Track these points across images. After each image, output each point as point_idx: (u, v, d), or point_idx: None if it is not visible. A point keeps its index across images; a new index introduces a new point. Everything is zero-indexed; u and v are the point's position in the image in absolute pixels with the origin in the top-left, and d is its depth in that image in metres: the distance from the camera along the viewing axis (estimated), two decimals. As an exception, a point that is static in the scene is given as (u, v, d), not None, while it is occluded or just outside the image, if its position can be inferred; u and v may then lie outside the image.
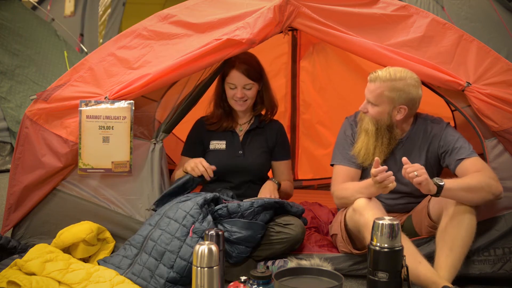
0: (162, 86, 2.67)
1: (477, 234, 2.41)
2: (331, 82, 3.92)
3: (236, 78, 2.81)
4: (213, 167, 2.70)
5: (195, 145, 2.96)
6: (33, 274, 2.31)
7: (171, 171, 2.88)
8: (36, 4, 7.58)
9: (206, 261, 2.00)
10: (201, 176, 2.71)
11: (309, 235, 2.84)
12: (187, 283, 2.34)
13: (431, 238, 2.50)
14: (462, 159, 2.50)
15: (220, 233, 2.23)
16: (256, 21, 2.60)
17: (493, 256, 2.52)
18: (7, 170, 4.21)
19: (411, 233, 2.58)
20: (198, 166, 2.70)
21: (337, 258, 2.61)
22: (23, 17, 5.56)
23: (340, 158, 2.67)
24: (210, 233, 2.22)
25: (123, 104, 2.63)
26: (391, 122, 2.56)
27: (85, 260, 2.59)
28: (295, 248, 2.61)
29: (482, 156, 2.59)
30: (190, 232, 2.42)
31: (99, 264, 2.48)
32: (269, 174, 3.06)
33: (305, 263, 2.31)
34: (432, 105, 2.97)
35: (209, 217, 2.49)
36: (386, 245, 2.05)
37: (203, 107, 3.01)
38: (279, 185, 2.89)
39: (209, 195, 2.58)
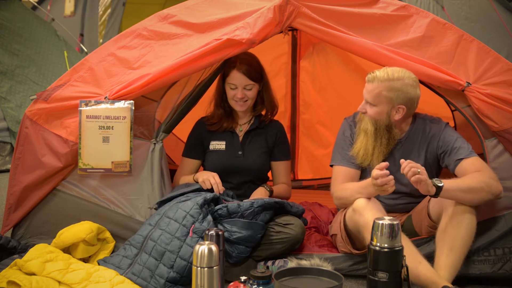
0: (162, 86, 2.67)
1: (477, 234, 2.41)
2: (331, 82, 3.92)
3: (237, 78, 2.81)
4: (222, 188, 2.70)
5: (196, 146, 2.96)
6: (33, 274, 2.31)
7: (171, 171, 2.88)
8: (36, 4, 7.58)
9: (206, 261, 2.00)
10: (211, 189, 2.70)
11: (309, 235, 2.84)
12: (187, 283, 2.34)
13: (431, 238, 2.50)
14: (461, 159, 2.50)
15: (220, 233, 2.23)
16: (256, 21, 2.60)
17: (493, 256, 2.52)
18: (7, 170, 4.21)
19: (411, 233, 2.58)
20: (210, 179, 2.71)
21: (337, 258, 2.61)
22: (23, 17, 5.56)
23: (340, 159, 2.68)
24: (210, 233, 2.22)
25: (123, 104, 2.63)
26: (390, 122, 2.56)
27: (85, 260, 2.59)
28: (295, 248, 2.61)
29: (482, 156, 2.59)
30: (190, 232, 2.42)
31: (99, 264, 2.48)
32: (269, 174, 3.06)
33: (305, 263, 2.31)
34: (432, 105, 2.97)
35: (209, 217, 2.49)
36: (386, 245, 2.05)
37: (203, 107, 3.01)
38: (271, 192, 2.87)
39: (209, 195, 2.58)
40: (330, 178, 2.72)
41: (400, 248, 2.07)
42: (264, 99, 2.94)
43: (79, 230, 2.56)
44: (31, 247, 2.48)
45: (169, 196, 2.65)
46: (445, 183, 2.31)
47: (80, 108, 2.61)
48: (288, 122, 4.05)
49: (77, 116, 2.62)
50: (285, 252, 2.58)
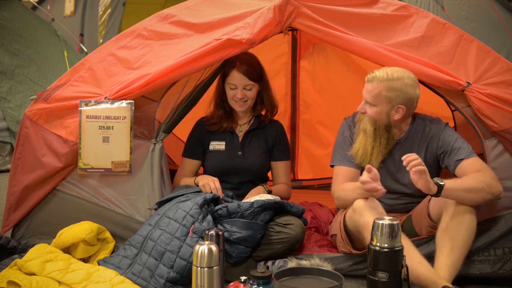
0: (162, 86, 2.67)
1: (477, 234, 2.41)
2: (331, 82, 3.92)
3: (237, 78, 2.81)
4: (222, 194, 2.70)
5: (196, 146, 2.96)
6: (33, 274, 2.31)
7: (171, 171, 2.88)
8: (36, 4, 7.58)
9: (206, 261, 2.00)
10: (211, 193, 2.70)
11: (309, 235, 2.84)
12: (187, 283, 2.34)
13: (431, 238, 2.50)
14: (461, 159, 2.50)
15: (220, 233, 2.23)
16: (256, 21, 2.60)
17: (493, 256, 2.52)
18: (7, 170, 4.21)
19: (411, 233, 2.58)
20: (210, 184, 2.71)
21: (337, 258, 2.61)
22: (23, 17, 5.56)
23: (339, 159, 2.68)
24: (210, 233, 2.22)
25: (123, 104, 2.63)
26: (389, 122, 2.56)
27: (85, 260, 2.59)
28: (295, 248, 2.61)
29: (482, 156, 2.59)
30: (190, 232, 2.42)
31: (99, 264, 2.48)
32: (270, 174, 3.06)
33: (305, 263, 2.31)
34: (432, 105, 2.98)
35: (209, 217, 2.49)
36: (386, 245, 2.05)
37: (203, 107, 3.01)
38: (269, 192, 2.86)
39: (208, 195, 2.58)
40: (330, 178, 2.72)
41: (400, 248, 2.07)
42: (264, 99, 2.94)
43: (79, 230, 2.56)
44: (31, 247, 2.48)
45: (168, 196, 2.65)
46: (446, 182, 2.31)
47: (80, 108, 2.61)
48: (288, 122, 4.05)
49: (77, 116, 2.62)
50: (285, 252, 2.57)
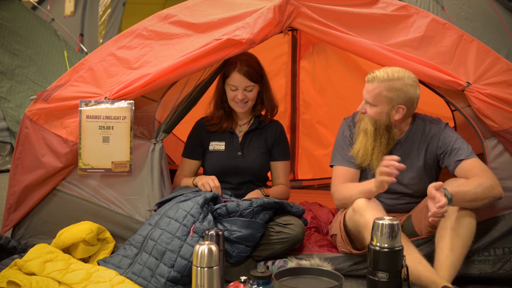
0: (162, 86, 2.67)
1: (477, 234, 2.41)
2: (331, 82, 3.92)
3: (237, 80, 2.80)
4: (220, 192, 2.71)
5: (195, 147, 2.96)
6: (33, 274, 2.31)
7: (171, 171, 2.88)
8: (36, 4, 7.58)
9: (206, 261, 2.00)
10: (211, 192, 2.70)
11: (309, 235, 2.84)
12: (188, 283, 2.34)
13: (431, 238, 2.50)
14: (462, 160, 2.50)
15: (220, 233, 2.24)
16: (256, 21, 2.60)
17: (493, 256, 2.52)
18: (7, 170, 4.21)
19: (411, 233, 2.58)
20: (210, 182, 2.71)
21: (337, 258, 2.61)
22: (23, 17, 5.56)
23: (339, 159, 2.67)
24: (210, 233, 2.22)
25: (123, 104, 2.63)
26: (390, 122, 2.56)
27: (85, 260, 2.59)
28: (295, 248, 2.61)
29: (482, 156, 2.59)
30: (191, 231, 2.42)
31: (98, 264, 2.48)
32: (269, 174, 3.06)
33: (305, 263, 2.31)
34: (432, 105, 2.98)
35: (210, 217, 2.49)
36: (386, 245, 2.05)
37: (203, 107, 3.00)
38: (266, 197, 2.84)
39: (208, 194, 2.58)
40: (330, 178, 2.72)
41: (400, 248, 2.07)
42: (264, 99, 2.93)
43: (79, 230, 2.56)
44: (31, 247, 2.48)
45: (168, 197, 2.65)
46: (452, 194, 2.29)
47: (80, 108, 2.61)
48: (288, 122, 4.05)
49: (77, 116, 2.62)
50: (285, 252, 2.58)
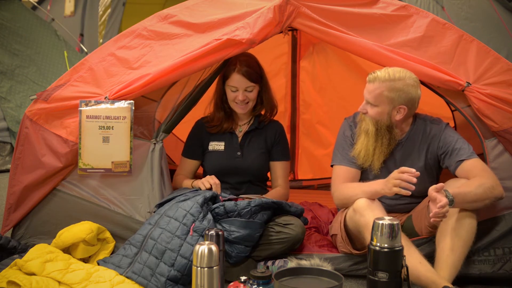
0: (162, 86, 2.67)
1: (477, 234, 2.41)
2: (331, 82, 3.92)
3: (238, 81, 2.80)
4: (219, 191, 2.71)
5: (195, 147, 2.96)
6: (33, 274, 2.31)
7: (171, 171, 2.88)
8: (36, 4, 7.58)
9: (206, 261, 2.00)
10: (210, 192, 2.70)
11: (309, 235, 2.84)
12: (188, 282, 2.34)
13: (431, 238, 2.50)
14: (462, 160, 2.50)
15: (220, 233, 2.24)
16: (256, 21, 2.60)
17: (493, 256, 2.52)
18: (7, 170, 4.21)
19: (411, 233, 2.58)
20: (209, 180, 2.71)
21: (337, 258, 2.61)
22: (23, 17, 5.56)
23: (340, 159, 2.67)
24: (210, 233, 2.22)
25: (123, 104, 2.63)
26: (391, 122, 2.56)
27: (85, 260, 2.59)
28: (295, 248, 2.61)
29: (482, 156, 2.59)
30: (191, 230, 2.42)
31: (98, 264, 2.48)
32: (269, 174, 3.06)
33: (305, 263, 2.31)
34: (432, 105, 2.97)
35: (209, 216, 2.50)
36: (386, 245, 2.05)
37: (203, 107, 3.00)
38: None
39: (208, 193, 2.58)
40: (330, 178, 2.72)
41: (400, 248, 2.07)
42: (263, 99, 2.93)
43: (79, 230, 2.56)
44: (31, 247, 2.48)
45: (167, 198, 2.64)
46: (453, 196, 2.29)
47: (80, 108, 2.61)
48: (288, 122, 4.05)
49: (77, 116, 2.62)
50: (285, 252, 2.58)
